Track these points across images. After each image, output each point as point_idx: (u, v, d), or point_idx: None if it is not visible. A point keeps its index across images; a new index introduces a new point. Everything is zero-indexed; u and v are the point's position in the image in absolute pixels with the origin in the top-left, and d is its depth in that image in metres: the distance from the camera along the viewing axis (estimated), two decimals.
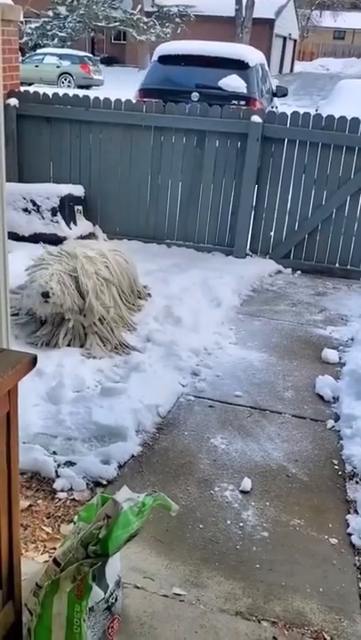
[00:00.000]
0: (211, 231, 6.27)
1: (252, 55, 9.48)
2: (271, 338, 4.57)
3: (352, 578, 2.43)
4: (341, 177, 5.88)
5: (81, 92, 6.91)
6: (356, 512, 2.74)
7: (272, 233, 6.21)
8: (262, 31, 31.79)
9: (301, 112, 5.98)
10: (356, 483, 2.95)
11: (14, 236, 5.77)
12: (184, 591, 2.29)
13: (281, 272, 6.09)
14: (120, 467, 2.93)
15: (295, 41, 42.36)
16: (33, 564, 2.23)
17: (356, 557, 2.52)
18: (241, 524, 2.65)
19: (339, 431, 3.37)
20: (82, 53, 27.81)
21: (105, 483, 2.81)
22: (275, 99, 10.45)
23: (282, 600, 2.30)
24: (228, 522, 2.66)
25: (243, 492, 2.85)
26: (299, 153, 5.94)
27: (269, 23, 33.93)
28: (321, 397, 3.74)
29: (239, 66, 8.87)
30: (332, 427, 3.42)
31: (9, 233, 5.49)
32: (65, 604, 1.77)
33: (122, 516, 1.73)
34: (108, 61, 35.26)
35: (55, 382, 3.45)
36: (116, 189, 6.34)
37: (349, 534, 2.62)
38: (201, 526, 2.63)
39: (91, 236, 6.21)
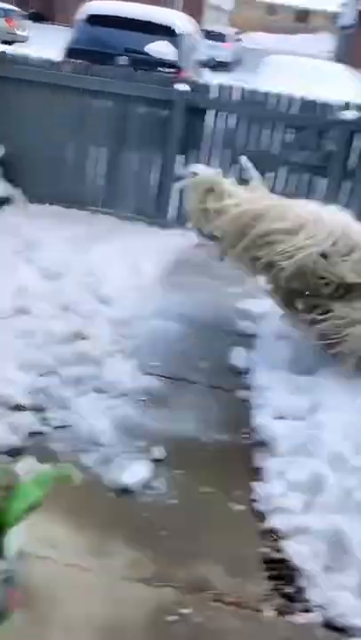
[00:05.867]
0: (135, 200, 6.16)
1: (184, 23, 9.31)
2: (190, 310, 4.58)
3: (255, 543, 2.51)
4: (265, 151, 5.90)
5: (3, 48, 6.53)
6: (261, 480, 2.82)
7: None
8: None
9: (227, 84, 5.94)
10: (263, 452, 3.03)
11: None
12: (90, 560, 2.29)
13: (204, 245, 6.08)
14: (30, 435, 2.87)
15: (228, 13, 42.01)
16: None
17: (260, 524, 2.60)
18: (150, 492, 2.67)
19: (249, 401, 3.44)
20: (8, 6, 26.40)
21: (13, 452, 2.75)
22: (205, 69, 10.37)
23: (187, 565, 2.35)
24: (139, 489, 2.67)
25: (154, 460, 2.86)
26: (225, 124, 5.90)
27: None
28: (235, 368, 3.80)
29: (169, 32, 8.69)
30: (245, 397, 3.49)
31: None
32: None
33: (21, 488, 1.69)
34: (37, 18, 33.61)
35: None
36: (38, 152, 6.08)
37: (254, 500, 2.70)
38: (110, 495, 2.62)
39: (5, 200, 5.94)
